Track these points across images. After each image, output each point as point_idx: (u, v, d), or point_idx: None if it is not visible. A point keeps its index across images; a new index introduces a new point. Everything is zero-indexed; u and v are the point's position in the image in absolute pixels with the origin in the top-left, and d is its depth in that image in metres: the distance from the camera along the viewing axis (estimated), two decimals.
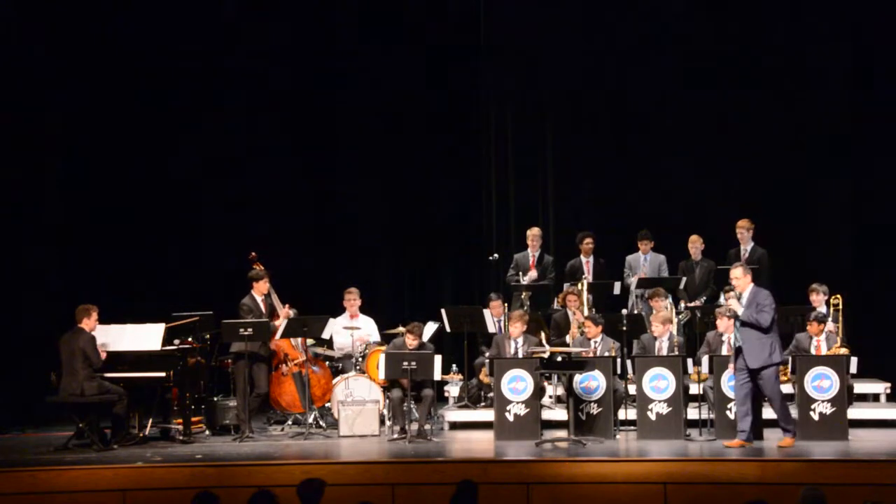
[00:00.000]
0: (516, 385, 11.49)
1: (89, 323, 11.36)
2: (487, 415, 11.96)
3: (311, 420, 12.21)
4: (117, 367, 11.49)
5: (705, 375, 11.53)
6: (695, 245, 13.71)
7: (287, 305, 12.25)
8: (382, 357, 11.69)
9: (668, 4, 14.93)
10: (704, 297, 13.48)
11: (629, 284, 13.70)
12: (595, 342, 11.85)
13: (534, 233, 13.94)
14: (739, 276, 10.77)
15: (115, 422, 11.49)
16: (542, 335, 12.10)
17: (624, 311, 12.39)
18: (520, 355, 11.86)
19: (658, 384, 11.37)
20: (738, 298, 10.73)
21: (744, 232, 13.57)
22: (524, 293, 13.40)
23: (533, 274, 13.66)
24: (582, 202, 15.27)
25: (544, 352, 11.53)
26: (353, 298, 12.95)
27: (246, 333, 11.68)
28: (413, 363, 11.37)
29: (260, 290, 12.22)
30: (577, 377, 11.40)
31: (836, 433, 10.99)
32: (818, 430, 11.00)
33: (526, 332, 12.01)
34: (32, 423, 12.91)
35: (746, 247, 13.60)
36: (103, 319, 11.58)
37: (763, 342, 10.57)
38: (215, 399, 12.58)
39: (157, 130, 14.89)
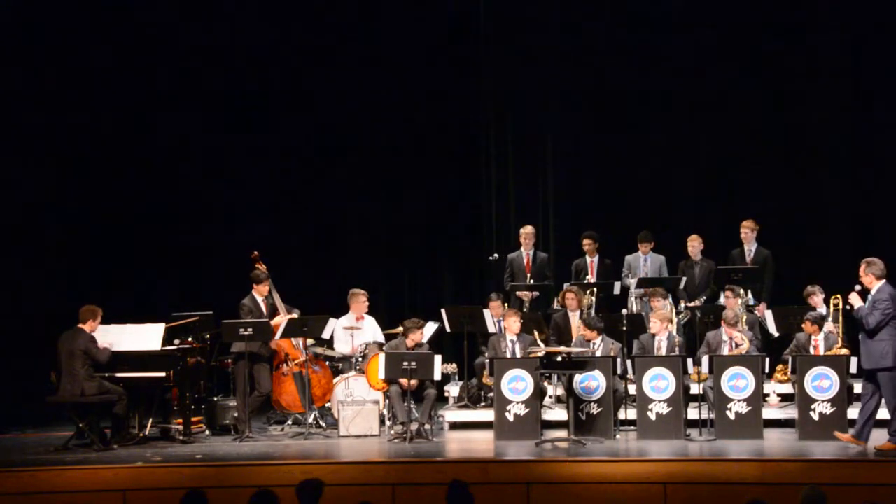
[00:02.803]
0: (516, 385, 11.48)
1: (92, 325, 11.36)
2: (487, 415, 11.95)
3: (311, 420, 12.20)
4: (117, 367, 11.48)
5: (705, 375, 11.52)
6: (695, 245, 13.68)
7: (289, 309, 12.28)
8: (382, 357, 11.68)
9: (669, 3, 14.93)
10: (704, 297, 13.47)
11: (628, 285, 13.69)
12: (594, 344, 11.85)
13: (527, 231, 13.88)
14: (861, 276, 10.46)
15: (115, 422, 11.50)
16: (536, 334, 12.08)
17: (624, 311, 12.38)
18: (517, 355, 11.87)
19: (658, 384, 11.37)
20: (865, 295, 10.43)
21: (748, 232, 13.53)
22: (529, 294, 13.38)
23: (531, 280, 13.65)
24: (582, 202, 15.23)
25: (540, 351, 11.53)
26: (362, 301, 12.81)
27: (246, 333, 11.68)
28: (413, 363, 11.37)
29: (260, 292, 12.22)
30: (577, 377, 11.40)
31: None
32: (819, 430, 10.98)
33: (522, 331, 12.01)
34: (32, 423, 12.90)
35: (750, 247, 13.58)
36: (103, 319, 11.56)
37: (876, 343, 10.25)
38: (215, 399, 12.58)
39: (159, 133, 14.89)
